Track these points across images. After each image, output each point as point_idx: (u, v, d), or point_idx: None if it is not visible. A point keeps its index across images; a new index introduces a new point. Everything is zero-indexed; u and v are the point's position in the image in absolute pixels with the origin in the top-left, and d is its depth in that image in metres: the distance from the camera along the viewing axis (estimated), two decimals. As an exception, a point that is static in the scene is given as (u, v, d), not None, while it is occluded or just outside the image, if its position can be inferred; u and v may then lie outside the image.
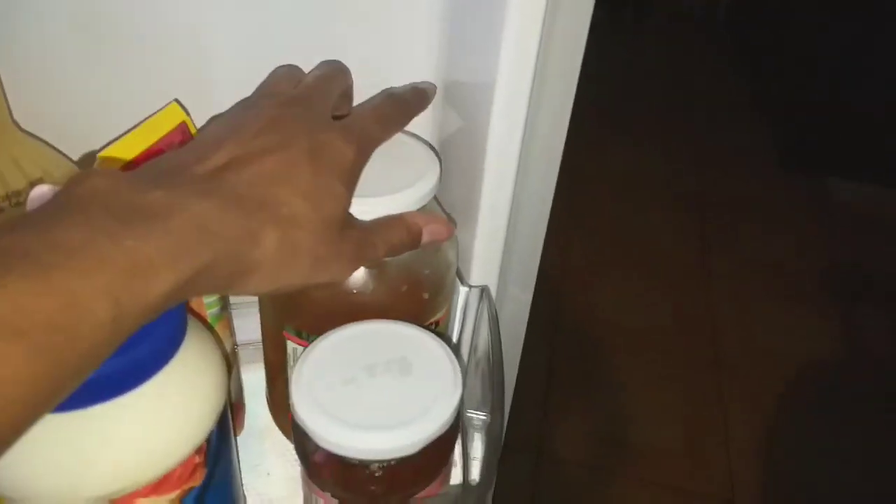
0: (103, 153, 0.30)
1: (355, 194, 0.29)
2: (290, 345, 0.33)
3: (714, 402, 1.33)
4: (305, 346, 0.29)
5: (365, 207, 0.30)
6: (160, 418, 0.24)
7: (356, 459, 0.26)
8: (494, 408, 0.32)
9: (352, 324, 0.30)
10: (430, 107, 0.36)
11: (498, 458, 0.31)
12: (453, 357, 0.28)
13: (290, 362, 0.34)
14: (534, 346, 0.46)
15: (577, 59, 0.35)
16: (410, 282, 0.33)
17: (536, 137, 0.36)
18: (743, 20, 2.64)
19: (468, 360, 0.36)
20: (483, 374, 0.34)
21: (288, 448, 0.38)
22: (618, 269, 1.62)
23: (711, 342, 1.46)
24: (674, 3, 2.97)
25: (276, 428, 0.39)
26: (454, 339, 0.38)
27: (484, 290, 0.36)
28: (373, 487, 0.27)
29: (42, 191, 0.28)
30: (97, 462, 0.24)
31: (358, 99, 0.35)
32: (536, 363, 1.37)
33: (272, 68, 0.35)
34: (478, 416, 0.32)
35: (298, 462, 0.29)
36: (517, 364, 0.46)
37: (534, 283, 0.39)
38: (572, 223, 1.71)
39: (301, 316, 0.32)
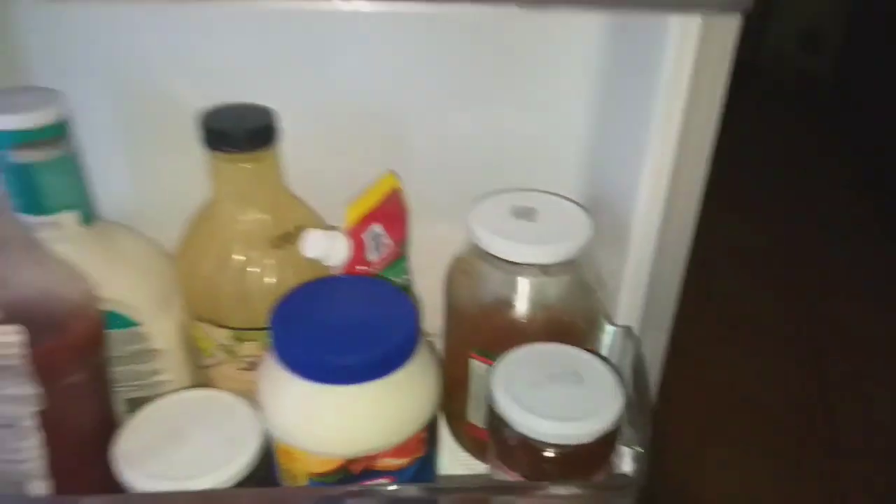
0: (349, 212, 0.41)
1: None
2: (475, 363, 0.42)
3: None
4: (488, 364, 0.38)
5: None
6: (405, 400, 0.34)
7: (541, 443, 0.34)
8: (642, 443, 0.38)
9: (532, 344, 0.38)
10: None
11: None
12: (615, 373, 0.36)
13: (472, 377, 0.42)
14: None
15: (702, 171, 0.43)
16: (571, 316, 0.41)
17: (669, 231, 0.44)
18: (844, 94, 2.65)
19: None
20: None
21: (456, 449, 0.46)
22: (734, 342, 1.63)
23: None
24: (773, 76, 3.01)
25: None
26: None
27: (627, 330, 0.44)
28: (549, 467, 0.34)
29: (312, 233, 0.39)
30: (363, 428, 0.33)
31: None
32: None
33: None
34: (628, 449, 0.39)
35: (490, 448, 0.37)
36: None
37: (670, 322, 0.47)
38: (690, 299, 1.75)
39: (486, 340, 0.41)
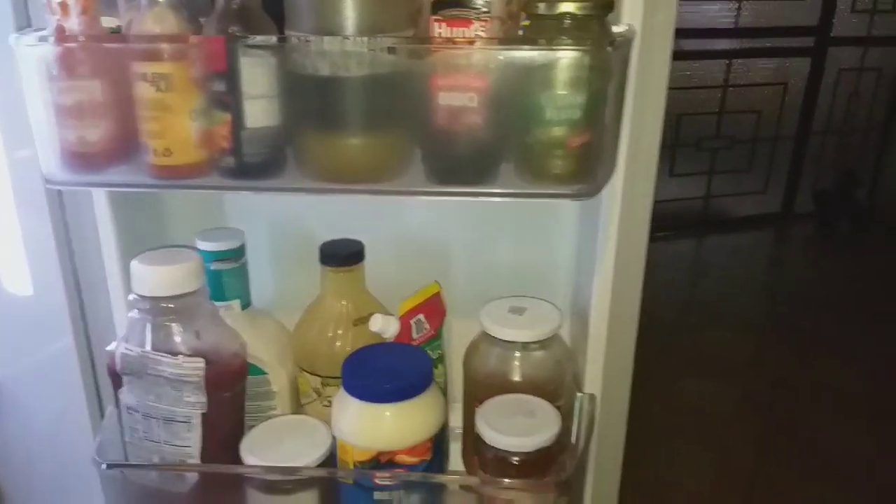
0: (402, 306, 0.63)
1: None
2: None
3: None
4: (486, 410, 0.57)
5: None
6: (419, 416, 0.54)
7: (506, 452, 0.52)
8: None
9: (508, 396, 0.57)
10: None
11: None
12: (557, 413, 0.55)
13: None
14: None
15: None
16: (547, 381, 0.60)
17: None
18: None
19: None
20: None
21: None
22: (813, 480, 1.64)
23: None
24: (893, 218, 3.00)
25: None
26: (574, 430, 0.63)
27: (591, 396, 0.62)
28: (513, 471, 0.53)
29: (376, 317, 0.61)
30: (388, 433, 0.53)
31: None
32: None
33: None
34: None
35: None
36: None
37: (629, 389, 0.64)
38: (770, 427, 1.79)
39: (488, 396, 0.60)
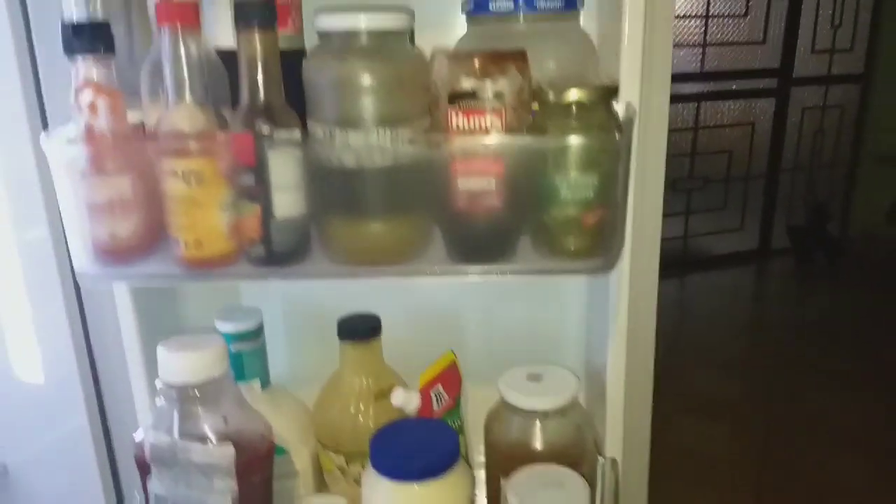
0: (421, 378, 0.64)
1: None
2: (504, 483, 0.62)
3: None
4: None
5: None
6: (452, 492, 0.54)
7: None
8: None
9: (533, 466, 0.58)
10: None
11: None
12: (585, 482, 0.56)
13: (502, 496, 0.62)
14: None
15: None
16: (567, 448, 0.61)
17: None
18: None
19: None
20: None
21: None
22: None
23: None
24: (866, 248, 3.08)
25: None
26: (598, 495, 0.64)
27: (612, 461, 0.63)
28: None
29: (398, 391, 0.62)
30: (421, 507, 0.54)
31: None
32: None
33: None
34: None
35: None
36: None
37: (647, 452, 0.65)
38: (770, 463, 1.80)
39: (511, 467, 0.61)
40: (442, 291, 0.72)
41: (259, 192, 0.48)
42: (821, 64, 3.03)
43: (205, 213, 0.49)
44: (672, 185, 3.13)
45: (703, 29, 2.84)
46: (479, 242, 0.50)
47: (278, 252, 0.50)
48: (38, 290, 0.74)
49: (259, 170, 0.48)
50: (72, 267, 0.72)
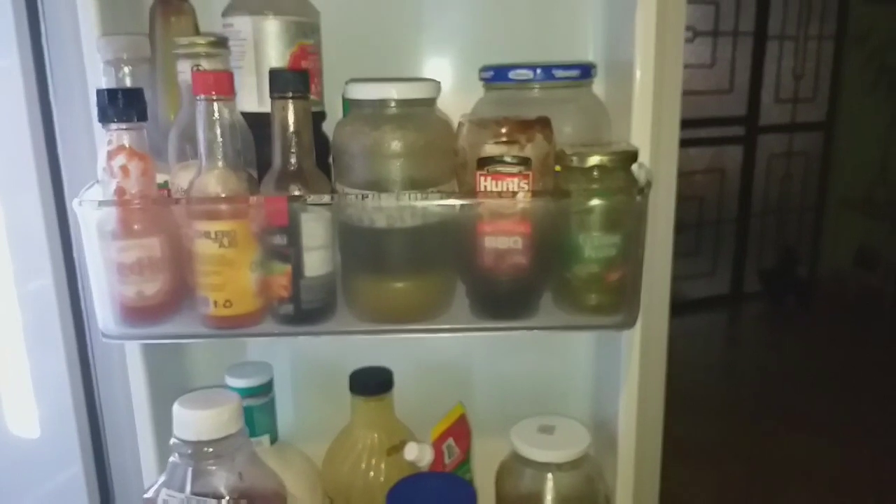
0: (433, 432, 0.65)
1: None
2: (517, 535, 0.62)
3: None
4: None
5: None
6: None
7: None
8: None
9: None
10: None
11: None
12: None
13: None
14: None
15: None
16: (581, 500, 0.62)
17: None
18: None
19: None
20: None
21: None
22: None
23: None
24: (835, 290, 3.16)
25: None
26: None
27: (624, 512, 0.63)
28: None
29: (411, 446, 0.62)
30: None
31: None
32: None
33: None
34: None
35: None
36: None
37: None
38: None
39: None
40: (451, 345, 0.72)
41: (290, 252, 0.49)
42: (785, 112, 3.15)
43: (236, 274, 0.49)
44: (646, 229, 3.20)
45: (673, 79, 2.93)
46: (504, 299, 0.51)
47: (307, 310, 0.50)
48: (38, 342, 0.73)
49: (291, 231, 0.49)
50: (75, 320, 0.73)
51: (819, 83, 3.15)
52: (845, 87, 3.13)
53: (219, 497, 0.55)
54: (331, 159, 0.54)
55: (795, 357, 2.71)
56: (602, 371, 0.69)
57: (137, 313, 0.50)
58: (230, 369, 0.64)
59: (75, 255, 0.71)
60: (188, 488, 0.55)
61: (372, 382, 0.65)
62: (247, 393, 0.62)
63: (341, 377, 0.65)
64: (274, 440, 0.66)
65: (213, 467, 0.56)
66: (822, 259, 3.32)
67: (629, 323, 0.51)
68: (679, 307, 3.18)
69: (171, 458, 0.57)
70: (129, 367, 0.58)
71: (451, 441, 0.65)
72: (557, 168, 0.52)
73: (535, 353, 0.73)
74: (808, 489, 1.91)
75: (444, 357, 0.73)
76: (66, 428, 0.73)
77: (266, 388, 0.64)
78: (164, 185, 0.54)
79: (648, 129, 0.54)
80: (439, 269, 0.51)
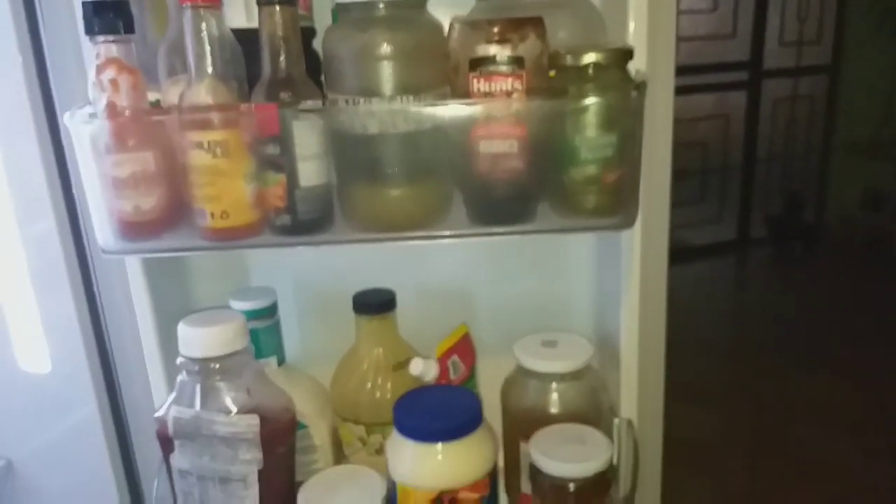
0: (438, 348, 0.65)
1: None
2: (524, 447, 0.63)
3: None
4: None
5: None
6: (477, 452, 0.55)
7: (562, 479, 0.54)
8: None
9: (557, 426, 0.59)
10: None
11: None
12: (607, 438, 0.57)
13: (522, 458, 0.63)
14: None
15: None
16: (584, 409, 0.62)
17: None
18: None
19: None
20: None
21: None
22: (807, 492, 1.68)
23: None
24: (842, 234, 3.15)
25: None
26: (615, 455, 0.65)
27: (629, 421, 0.64)
28: (570, 497, 0.54)
29: (416, 361, 0.63)
30: (448, 471, 0.55)
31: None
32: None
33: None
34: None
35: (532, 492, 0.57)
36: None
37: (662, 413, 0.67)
38: (761, 445, 1.83)
39: (529, 429, 0.62)
40: (452, 267, 0.73)
41: (283, 161, 0.49)
42: (789, 56, 3.10)
43: (230, 184, 0.49)
44: (650, 178, 3.19)
45: (675, 23, 2.88)
46: (501, 205, 0.51)
47: (303, 220, 0.51)
48: (44, 280, 0.74)
49: (283, 139, 0.49)
50: (79, 253, 0.73)
51: (823, 26, 3.09)
52: (850, 30, 3.07)
53: (227, 412, 0.56)
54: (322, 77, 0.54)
55: (803, 300, 2.71)
56: (604, 289, 0.69)
57: (135, 228, 0.51)
58: (234, 293, 0.65)
59: (75, 193, 0.72)
60: (197, 405, 0.56)
61: (375, 302, 0.65)
62: (252, 315, 0.63)
63: (345, 302, 0.66)
64: (281, 362, 0.66)
65: (221, 384, 0.57)
66: (828, 203, 3.30)
67: (628, 223, 0.51)
68: (685, 254, 3.20)
69: (180, 377, 0.57)
70: (131, 286, 0.59)
71: (455, 358, 0.66)
72: (552, 73, 0.52)
73: (537, 274, 0.73)
74: (817, 427, 1.93)
75: (447, 280, 0.73)
76: (76, 362, 0.74)
77: (270, 311, 0.65)
78: (156, 104, 0.54)
79: (644, 33, 0.53)
80: (435, 176, 0.51)
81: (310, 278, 0.73)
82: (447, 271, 0.73)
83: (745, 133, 3.15)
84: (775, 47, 3.07)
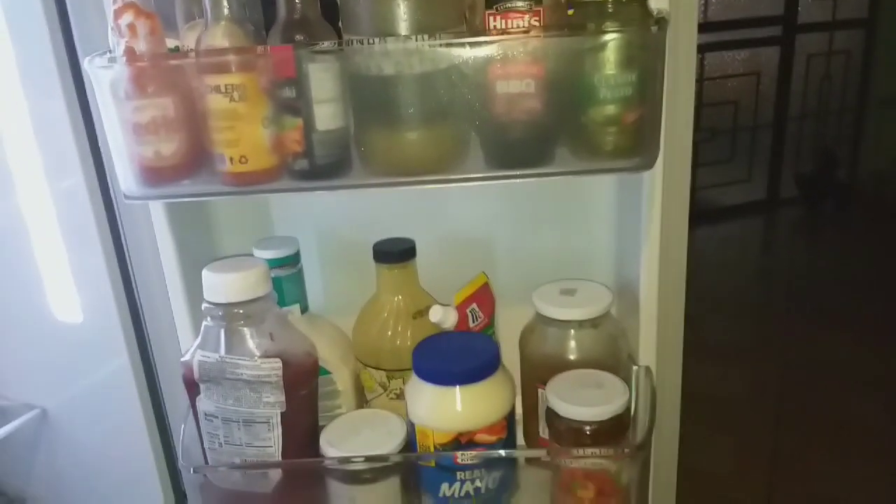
0: (456, 297, 0.66)
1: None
2: (541, 392, 0.63)
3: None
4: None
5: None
6: (494, 395, 0.56)
7: (579, 422, 0.55)
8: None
9: (574, 371, 0.60)
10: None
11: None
12: (624, 383, 0.57)
13: (540, 403, 0.64)
14: None
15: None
16: (602, 357, 0.63)
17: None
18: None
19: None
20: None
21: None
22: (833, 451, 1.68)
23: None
24: (875, 193, 3.08)
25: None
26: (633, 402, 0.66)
27: (647, 369, 0.64)
28: (586, 440, 0.55)
29: (436, 308, 0.64)
30: (466, 414, 0.55)
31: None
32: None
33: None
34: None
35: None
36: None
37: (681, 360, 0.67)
38: (785, 404, 1.83)
39: (547, 376, 0.63)
40: (473, 217, 0.73)
41: (300, 105, 0.49)
42: (825, 9, 2.99)
43: (248, 129, 0.50)
44: (678, 137, 3.13)
45: (706, -22, 2.80)
46: (518, 147, 0.51)
47: (321, 165, 0.51)
48: (74, 232, 0.76)
49: (299, 82, 0.49)
50: (107, 205, 0.74)
51: (860, -23, 2.98)
52: (889, -19, 2.95)
53: (251, 356, 0.58)
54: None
55: (831, 260, 2.66)
56: (625, 238, 0.68)
57: (157, 173, 0.51)
58: (258, 242, 0.66)
59: (101, 147, 0.73)
60: (222, 349, 0.58)
61: (395, 250, 0.65)
62: (275, 264, 0.64)
63: (367, 251, 0.66)
64: (305, 310, 0.68)
65: (245, 329, 0.58)
66: (861, 162, 3.22)
67: (648, 164, 0.51)
68: (714, 214, 3.15)
69: (205, 323, 0.59)
70: (157, 235, 0.60)
71: (474, 306, 0.66)
72: (570, 12, 0.51)
73: (557, 224, 0.73)
74: (842, 385, 1.91)
75: (468, 230, 0.73)
76: (106, 311, 0.76)
77: (293, 259, 0.66)
78: (175, 51, 0.54)
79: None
80: (451, 119, 0.51)
81: (332, 229, 0.74)
82: (468, 221, 0.73)
83: (778, 90, 3.06)
84: (809, 0, 2.97)
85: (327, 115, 0.50)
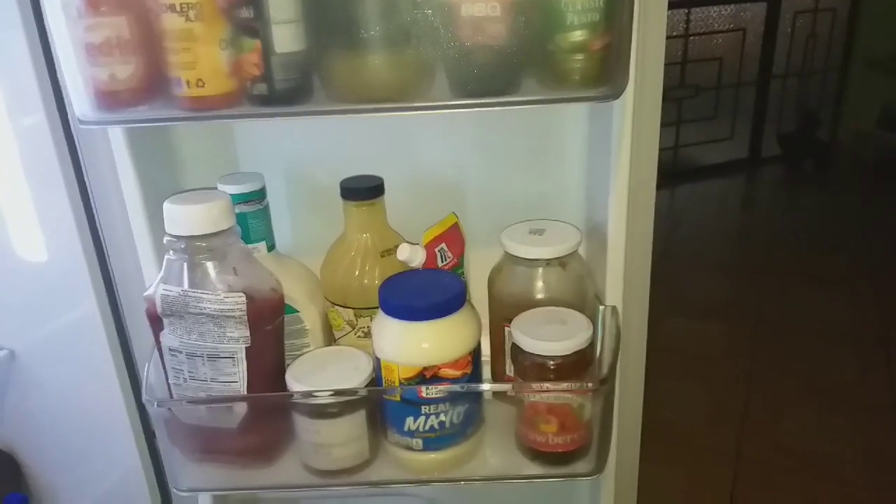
0: (425, 236, 0.65)
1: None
2: (507, 331, 0.63)
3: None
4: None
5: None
6: (459, 331, 0.56)
7: (543, 357, 0.55)
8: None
9: (539, 308, 0.60)
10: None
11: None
12: (588, 319, 0.57)
13: (507, 341, 0.64)
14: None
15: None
16: (569, 295, 0.63)
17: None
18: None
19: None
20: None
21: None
22: (803, 404, 1.71)
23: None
24: (856, 153, 3.10)
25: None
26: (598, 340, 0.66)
27: (613, 308, 0.64)
28: (551, 374, 0.55)
29: (403, 246, 0.63)
30: (431, 349, 0.55)
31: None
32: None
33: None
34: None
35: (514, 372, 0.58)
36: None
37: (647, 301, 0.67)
38: (759, 357, 1.86)
39: (514, 314, 0.62)
40: (442, 156, 0.72)
41: (258, 25, 0.48)
42: (812, -34, 2.97)
43: (205, 50, 0.48)
44: (663, 93, 3.10)
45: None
46: (483, 74, 0.49)
47: (280, 89, 0.49)
48: (35, 169, 0.74)
49: (257, 1, 0.47)
50: (69, 142, 0.72)
51: (848, -67, 2.95)
52: (877, -61, 2.92)
53: (214, 290, 0.57)
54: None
55: (810, 219, 2.69)
56: (595, 179, 0.68)
57: (112, 97, 0.50)
58: (222, 178, 0.64)
59: (63, 90, 0.70)
60: (185, 282, 0.57)
61: (363, 187, 0.64)
62: (239, 199, 0.63)
63: (334, 191, 0.65)
64: (271, 248, 0.67)
65: (208, 263, 0.57)
66: (843, 121, 3.22)
67: (616, 93, 0.50)
68: (695, 172, 3.16)
69: (167, 256, 0.58)
70: (118, 166, 0.59)
71: (443, 246, 0.66)
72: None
73: (528, 164, 0.72)
74: (815, 339, 1.95)
75: (437, 169, 0.72)
76: (71, 250, 0.74)
77: (259, 195, 0.64)
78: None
79: None
80: (415, 42, 0.49)
81: (300, 168, 0.72)
82: (438, 161, 0.72)
83: (763, 47, 3.04)
84: (797, -44, 2.94)
85: (286, 36, 0.48)
